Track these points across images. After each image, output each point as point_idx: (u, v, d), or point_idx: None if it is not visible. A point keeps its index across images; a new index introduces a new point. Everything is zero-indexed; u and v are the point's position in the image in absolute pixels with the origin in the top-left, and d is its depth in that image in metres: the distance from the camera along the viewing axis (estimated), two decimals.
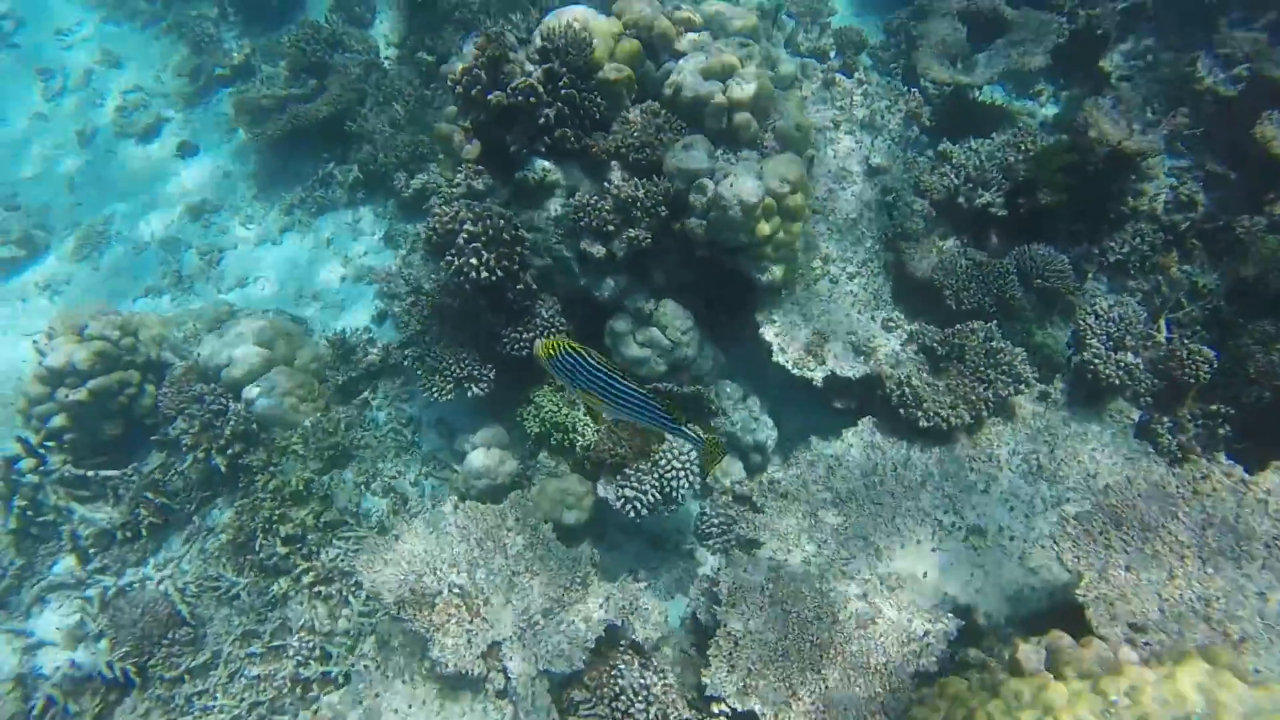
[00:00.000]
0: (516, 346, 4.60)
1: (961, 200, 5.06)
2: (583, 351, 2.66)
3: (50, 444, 4.96)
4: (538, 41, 4.51)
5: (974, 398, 4.36)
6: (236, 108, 6.51)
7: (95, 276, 6.42)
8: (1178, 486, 3.21)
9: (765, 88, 4.50)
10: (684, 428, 2.78)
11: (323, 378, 5.37)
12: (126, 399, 4.97)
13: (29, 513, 4.78)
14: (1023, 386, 4.34)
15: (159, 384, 5.17)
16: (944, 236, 5.20)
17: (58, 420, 4.86)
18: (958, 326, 4.55)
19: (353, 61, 6.64)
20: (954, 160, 5.16)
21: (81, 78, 7.67)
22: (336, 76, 6.61)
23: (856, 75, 5.31)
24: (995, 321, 4.55)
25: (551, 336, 3.09)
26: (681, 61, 4.50)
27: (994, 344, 4.42)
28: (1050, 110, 5.82)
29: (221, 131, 7.17)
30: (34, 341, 4.90)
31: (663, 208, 4.32)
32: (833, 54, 5.82)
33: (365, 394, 5.37)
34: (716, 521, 4.68)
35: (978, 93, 5.55)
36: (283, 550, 4.61)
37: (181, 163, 7.02)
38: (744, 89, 4.42)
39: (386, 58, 7.17)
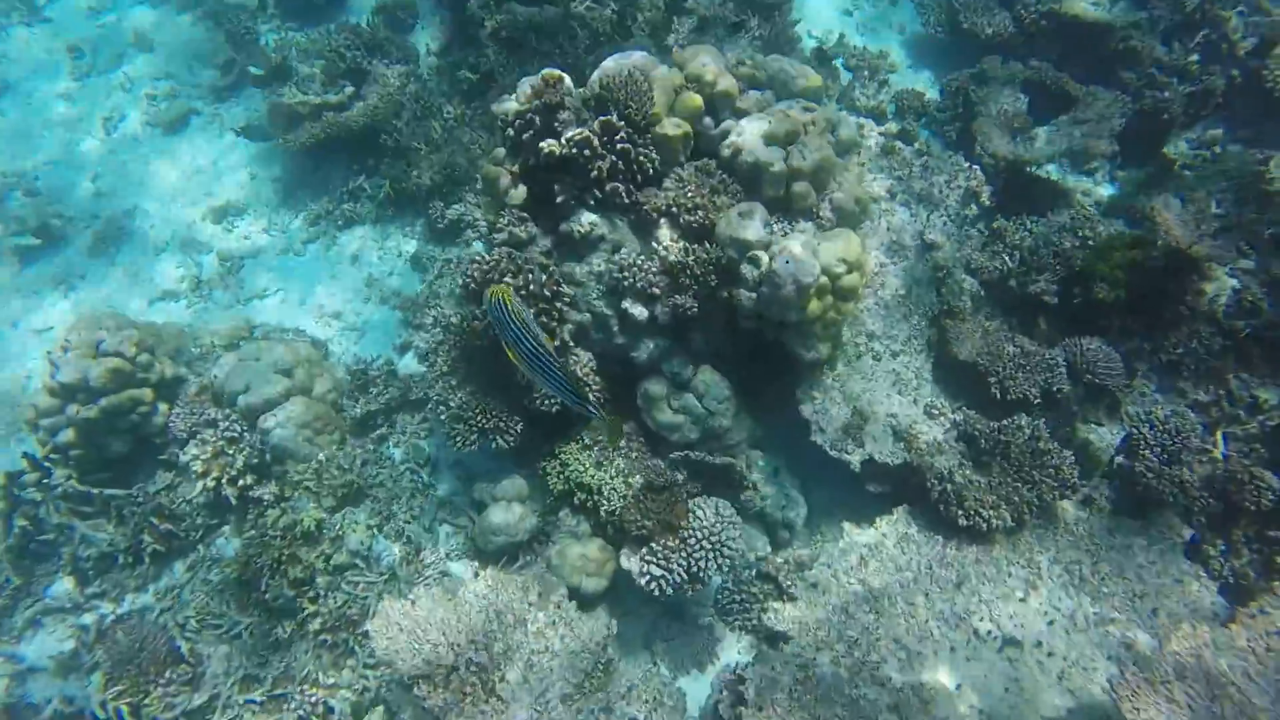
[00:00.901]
0: (547, 402, 4.43)
1: (1013, 283, 4.90)
2: (518, 314, 3.05)
3: (55, 457, 4.79)
4: (595, 88, 4.33)
5: (1017, 499, 4.21)
6: (270, 112, 6.30)
7: (111, 273, 6.23)
8: (1249, 640, 3.07)
9: (828, 159, 4.33)
10: (589, 405, 3.23)
11: (340, 408, 5.21)
12: (138, 417, 4.80)
13: (29, 530, 4.61)
14: (1069, 492, 4.19)
15: (172, 401, 5.00)
16: (990, 317, 5.04)
17: (66, 436, 4.69)
18: (1004, 423, 4.39)
19: (392, 71, 6.44)
20: (1008, 239, 5.00)
21: (112, 59, 7.45)
22: (374, 86, 6.41)
23: (917, 144, 5.13)
24: (1043, 419, 4.41)
25: (502, 285, 3.39)
26: (744, 123, 4.33)
27: (1041, 444, 4.27)
28: (1107, 190, 5.65)
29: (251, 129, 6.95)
30: (48, 353, 4.72)
31: (713, 277, 4.16)
32: (890, 113, 5.64)
33: (383, 429, 5.20)
34: (738, 598, 4.54)
35: (1036, 167, 5.38)
36: (290, 592, 4.46)
37: (210, 156, 6.82)
38: (806, 159, 4.24)
39: (426, 69, 6.96)
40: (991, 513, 4.19)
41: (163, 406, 4.95)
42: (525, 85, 4.32)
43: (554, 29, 6.35)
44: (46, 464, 4.74)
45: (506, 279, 4.09)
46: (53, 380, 4.57)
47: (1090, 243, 4.81)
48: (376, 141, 6.26)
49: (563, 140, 4.06)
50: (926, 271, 4.88)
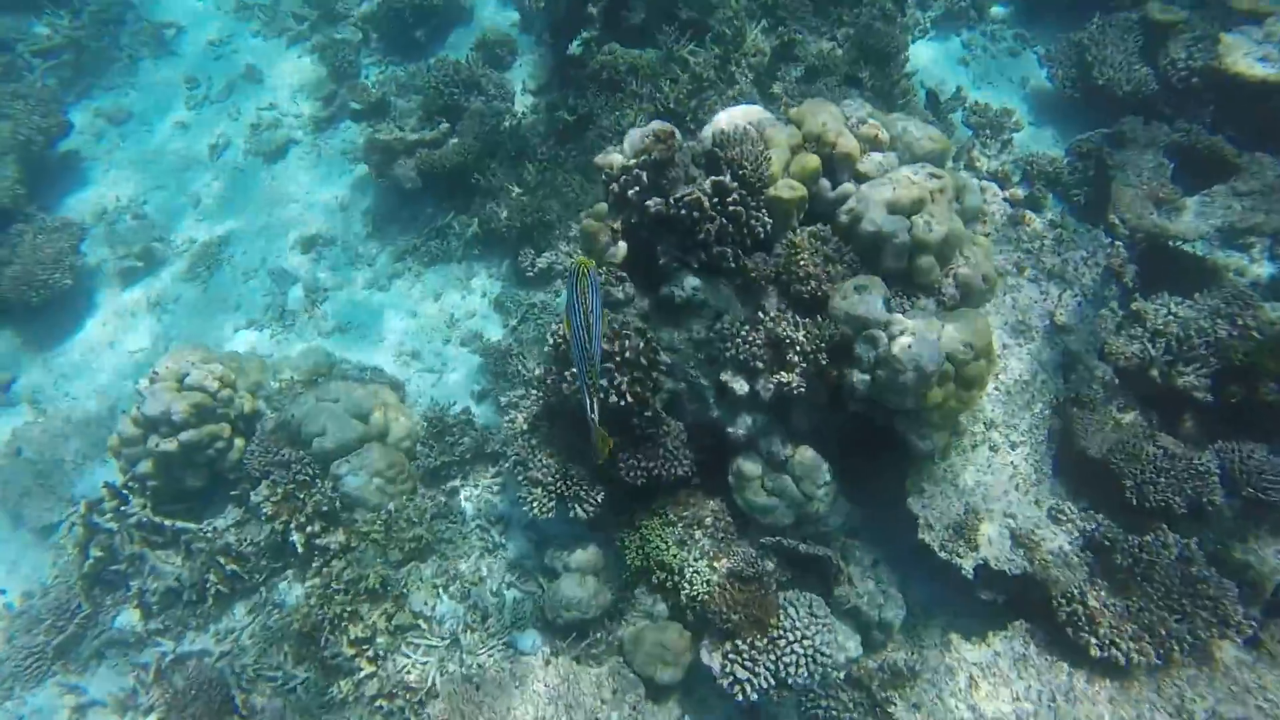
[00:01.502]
0: (633, 474, 4.13)
1: (1155, 374, 4.36)
2: (583, 294, 2.87)
3: (133, 486, 4.76)
4: (707, 142, 4.08)
5: (1163, 632, 3.66)
6: (367, 147, 6.31)
7: (201, 299, 6.31)
8: None
9: (956, 231, 3.94)
10: (591, 404, 3.05)
11: (414, 455, 5.04)
12: (215, 452, 4.74)
13: (103, 559, 4.57)
14: (1230, 631, 3.61)
15: (249, 436, 4.93)
16: (1124, 409, 4.50)
17: (144, 467, 4.65)
18: (1147, 539, 3.85)
19: (487, 110, 6.36)
20: (1149, 322, 4.47)
21: (224, 89, 7.68)
22: (468, 123, 6.35)
23: (1050, 215, 4.68)
24: (1195, 538, 3.85)
25: (586, 259, 3.09)
26: (865, 188, 3.98)
27: (1194, 569, 3.72)
28: (1266, 269, 5.03)
29: (346, 161, 7.02)
30: (135, 384, 4.72)
31: (824, 356, 3.80)
32: (1016, 178, 5.20)
33: (456, 480, 5.00)
34: (826, 706, 4.10)
35: (1185, 244, 4.83)
36: (349, 651, 4.26)
37: (306, 186, 6.88)
38: (933, 231, 3.86)
39: (523, 107, 6.90)
40: (1131, 645, 3.64)
41: (239, 442, 4.88)
42: (634, 137, 4.10)
43: (655, 72, 6.17)
44: (125, 492, 4.71)
45: (603, 341, 3.83)
46: (138, 411, 4.55)
47: (1254, 333, 4.23)
48: (468, 180, 6.18)
49: (671, 200, 3.81)
50: (1055, 356, 4.39)
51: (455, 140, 6.38)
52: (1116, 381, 4.44)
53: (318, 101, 7.33)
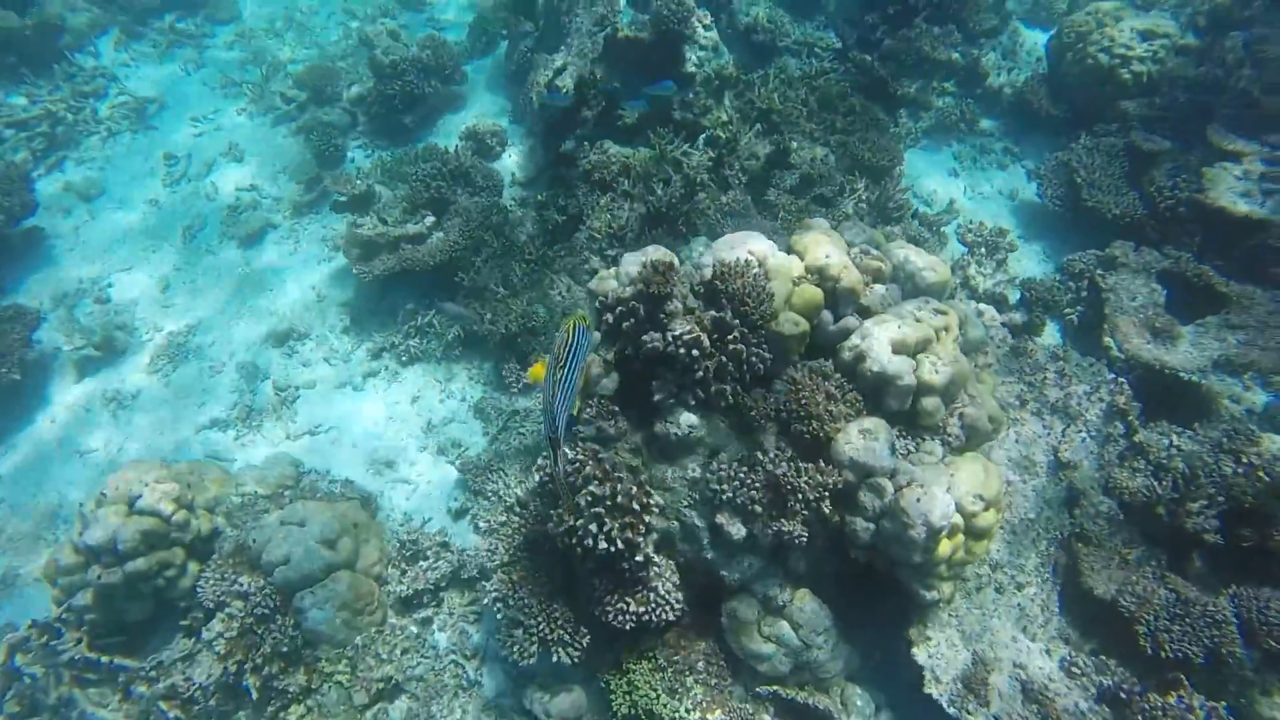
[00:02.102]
0: (620, 618, 3.84)
1: (1161, 512, 4.22)
2: (569, 355, 2.89)
3: (68, 618, 4.33)
4: (707, 272, 3.93)
5: None
6: (348, 241, 6.12)
7: (164, 394, 5.95)
8: None
9: (962, 372, 3.81)
10: (557, 455, 2.95)
11: (384, 580, 4.69)
12: (164, 581, 4.35)
13: (22, 716, 4.11)
14: None
15: (204, 560, 4.55)
16: (1130, 545, 4.34)
17: (83, 599, 4.25)
18: (1170, 700, 3.64)
19: (474, 207, 6.23)
20: (1152, 455, 4.36)
21: (203, 167, 7.47)
22: (455, 220, 6.20)
23: (1051, 345, 4.60)
24: (1225, 703, 3.64)
25: (580, 316, 3.07)
26: (869, 325, 3.86)
27: None
28: (1261, 397, 4.99)
29: (325, 248, 6.81)
30: (80, 506, 4.35)
31: (827, 504, 3.59)
32: (1014, 300, 5.15)
33: (429, 609, 4.65)
34: None
35: (1185, 375, 4.77)
36: None
37: (281, 274, 6.63)
38: (939, 373, 3.73)
39: (511, 199, 6.79)
40: None
41: (193, 567, 4.50)
42: (631, 265, 3.96)
43: (648, 172, 6.11)
44: (58, 626, 4.28)
45: (592, 487, 3.60)
46: (79, 540, 4.17)
47: (1261, 472, 4.13)
48: (452, 277, 6.00)
49: (669, 337, 3.63)
50: (1059, 493, 4.24)
51: (440, 234, 6.22)
52: (1121, 517, 4.30)
53: (300, 185, 7.15)
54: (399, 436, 5.60)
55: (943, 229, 5.95)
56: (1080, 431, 4.24)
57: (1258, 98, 5.75)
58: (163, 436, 5.73)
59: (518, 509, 4.42)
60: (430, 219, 6.28)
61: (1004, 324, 4.81)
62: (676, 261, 4.06)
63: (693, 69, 6.56)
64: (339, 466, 5.46)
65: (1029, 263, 6.08)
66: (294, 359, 6.15)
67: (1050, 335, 5.11)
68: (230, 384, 5.99)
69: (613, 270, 4.16)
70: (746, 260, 3.86)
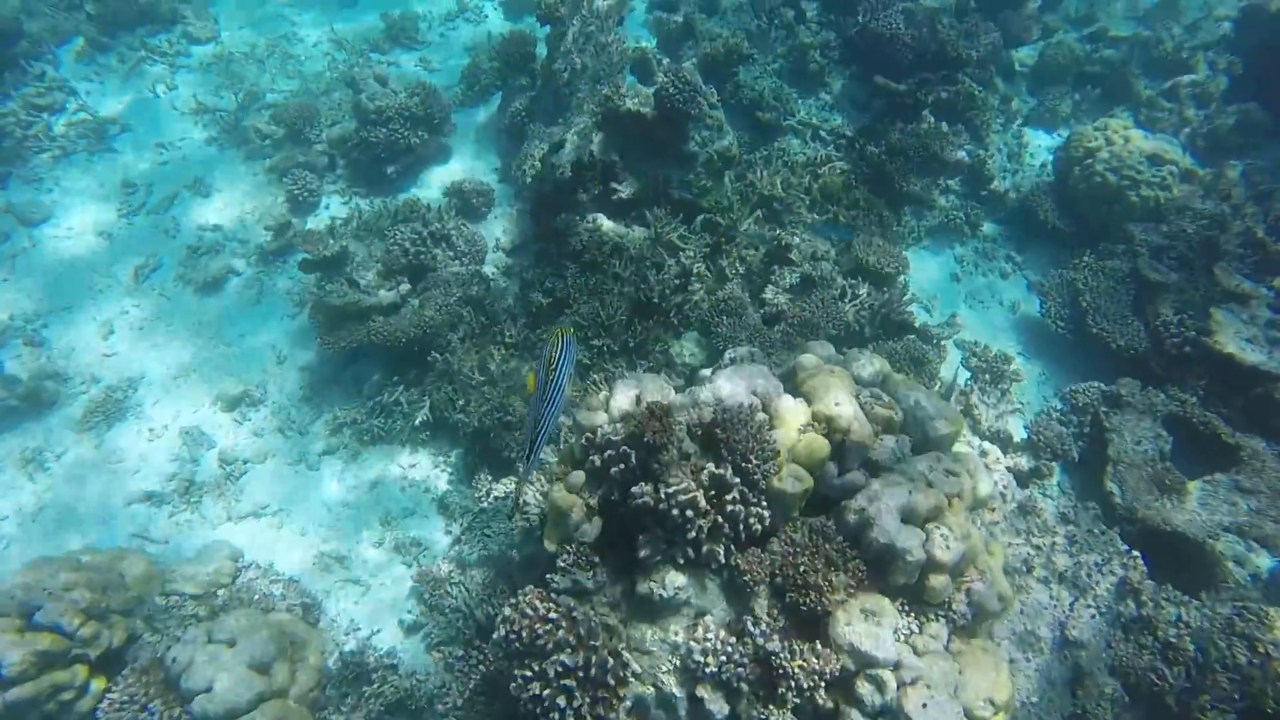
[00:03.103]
0: None
1: (1170, 703, 3.97)
2: (557, 366, 2.80)
3: None
4: (706, 413, 3.59)
5: None
6: (314, 308, 5.67)
7: (93, 458, 5.40)
8: None
9: (974, 546, 3.52)
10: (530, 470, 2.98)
11: (321, 705, 4.21)
12: (56, 705, 3.81)
13: None
14: None
15: (113, 675, 4.02)
16: None
17: None
18: None
19: (453, 279, 5.83)
20: (1160, 631, 4.12)
21: (165, 200, 6.94)
22: (433, 291, 5.79)
23: (1062, 509, 4.36)
24: None
25: (566, 327, 3.15)
26: (877, 486, 3.54)
27: None
28: (1266, 561, 4.81)
29: (291, 303, 6.33)
30: None
31: (821, 694, 3.25)
32: (1017, 430, 4.91)
33: None
34: None
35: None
36: None
37: (240, 328, 6.13)
38: (949, 549, 3.43)
39: (493, 267, 6.40)
40: None
41: (96, 685, 3.98)
42: (622, 398, 3.61)
43: (642, 254, 5.79)
44: None
45: (563, 658, 3.21)
46: None
47: (1277, 664, 3.91)
48: (425, 352, 5.57)
49: (663, 494, 3.28)
50: (1064, 672, 3.97)
51: (416, 302, 5.81)
52: (1127, 700, 4.04)
53: (269, 230, 6.67)
54: (354, 527, 5.14)
55: (943, 342, 5.72)
56: (1089, 607, 3.98)
57: (1263, 239, 5.67)
58: (86, 508, 5.18)
59: (477, 645, 4.00)
60: (405, 286, 5.87)
61: (1009, 469, 4.57)
62: (672, 392, 3.72)
63: (695, 148, 6.29)
64: (284, 557, 4.97)
65: (1027, 380, 5.88)
66: (245, 426, 5.65)
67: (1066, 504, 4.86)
68: (170, 451, 5.46)
69: (601, 397, 3.81)
70: (750, 405, 3.54)
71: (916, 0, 7.52)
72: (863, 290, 5.64)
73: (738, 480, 3.33)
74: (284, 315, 6.26)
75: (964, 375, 5.36)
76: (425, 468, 5.43)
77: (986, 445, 4.72)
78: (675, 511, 3.27)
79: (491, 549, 4.86)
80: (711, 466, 3.38)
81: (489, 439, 5.10)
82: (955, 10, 7.57)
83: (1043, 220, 6.51)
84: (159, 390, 5.77)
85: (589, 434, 3.56)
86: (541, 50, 7.03)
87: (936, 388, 5.25)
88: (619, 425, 3.52)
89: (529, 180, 5.57)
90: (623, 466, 3.40)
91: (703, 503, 3.29)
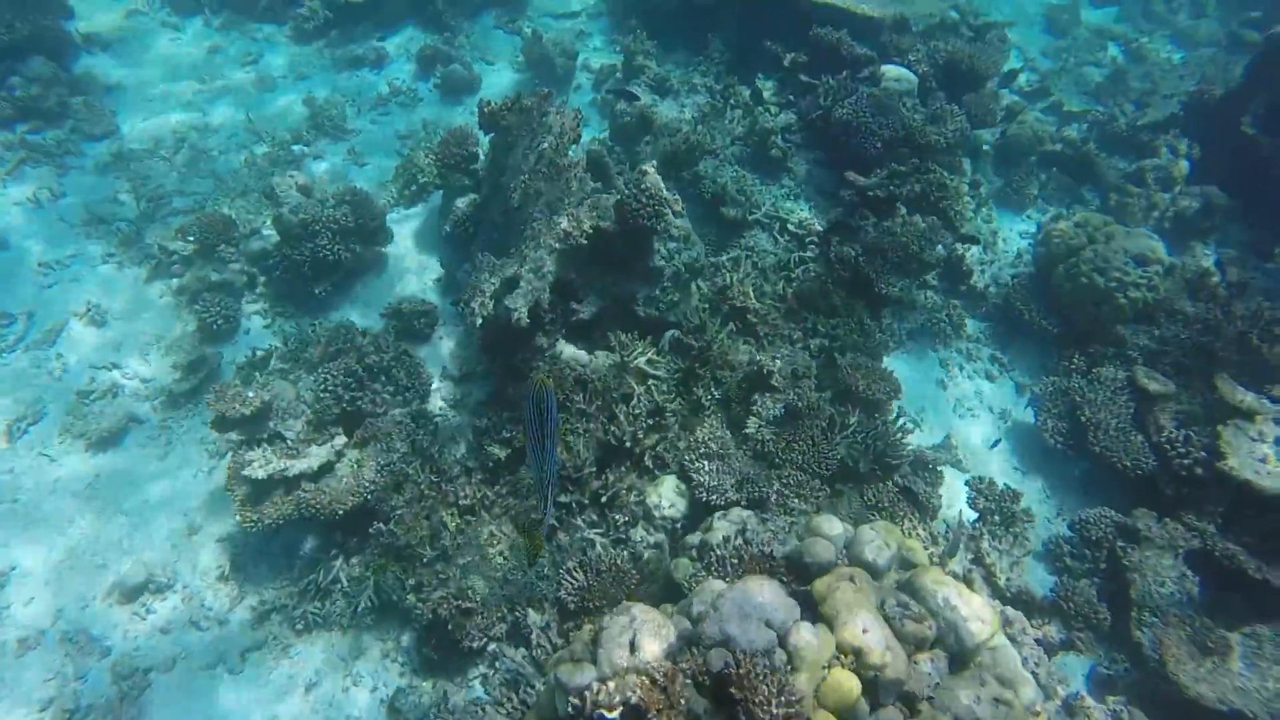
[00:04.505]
0: None
1: None
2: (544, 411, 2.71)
3: None
4: (714, 660, 2.97)
5: None
6: (231, 476, 4.84)
7: None
8: None
9: None
10: (547, 509, 2.81)
11: None
12: None
13: None
14: None
15: None
16: None
17: None
18: None
19: (396, 430, 5.10)
20: None
21: (49, 333, 5.99)
22: (371, 447, 5.04)
23: (1114, 708, 3.89)
24: None
25: (545, 378, 2.93)
26: None
27: None
28: None
29: (205, 455, 5.48)
30: None
31: None
32: (1040, 595, 4.45)
33: None
34: None
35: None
36: None
37: (144, 494, 5.23)
38: None
39: (441, 402, 5.69)
40: None
41: None
42: (616, 652, 2.96)
43: (607, 386, 5.18)
44: None
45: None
46: None
47: None
48: (367, 518, 4.81)
49: None
50: None
51: (353, 457, 5.04)
52: None
53: (178, 367, 5.80)
54: None
55: (939, 468, 5.27)
56: None
57: (1258, 345, 5.44)
58: None
59: None
60: (340, 439, 5.10)
61: (1038, 640, 4.09)
62: (672, 633, 3.10)
63: (661, 262, 5.76)
64: None
65: (1029, 500, 5.47)
66: (148, 622, 4.75)
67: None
68: (48, 666, 4.52)
69: (586, 634, 3.16)
70: (767, 649, 2.94)
71: (877, 83, 7.23)
72: (853, 419, 5.14)
73: None
74: (197, 473, 5.40)
75: (970, 515, 4.91)
76: (373, 657, 4.63)
77: (1010, 611, 4.25)
78: None
79: None
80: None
81: (448, 629, 4.35)
82: (919, 93, 7.31)
83: (1029, 321, 6.20)
84: (34, 585, 4.82)
85: (576, 698, 2.90)
86: (485, 146, 6.44)
87: (944, 534, 4.78)
88: (611, 687, 2.87)
89: (479, 322, 4.90)
90: None
91: None
